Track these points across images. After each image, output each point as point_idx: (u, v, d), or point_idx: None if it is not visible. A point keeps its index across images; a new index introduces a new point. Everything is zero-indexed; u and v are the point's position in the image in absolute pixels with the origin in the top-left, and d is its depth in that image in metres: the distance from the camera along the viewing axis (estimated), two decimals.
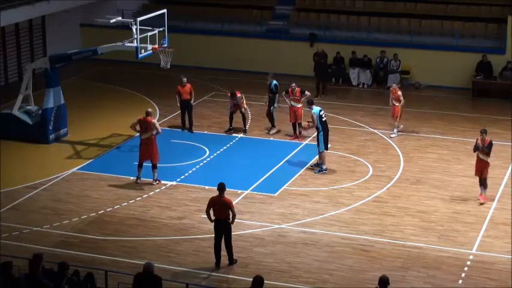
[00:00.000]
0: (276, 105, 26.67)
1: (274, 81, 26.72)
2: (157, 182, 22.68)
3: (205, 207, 18.17)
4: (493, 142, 21.53)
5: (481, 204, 21.39)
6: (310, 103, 23.93)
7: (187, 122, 26.95)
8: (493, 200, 21.68)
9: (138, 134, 22.83)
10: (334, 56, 32.69)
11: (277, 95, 26.63)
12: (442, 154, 24.99)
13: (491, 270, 18.13)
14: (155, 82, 32.57)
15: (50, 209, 21.11)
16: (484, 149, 21.27)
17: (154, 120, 22.86)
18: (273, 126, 26.85)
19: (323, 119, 23.65)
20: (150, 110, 22.93)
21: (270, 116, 26.77)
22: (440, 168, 23.92)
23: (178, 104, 26.79)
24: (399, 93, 26.27)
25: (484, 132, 21.42)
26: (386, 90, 30.39)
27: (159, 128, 22.62)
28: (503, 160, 24.45)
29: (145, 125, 22.50)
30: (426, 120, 28.27)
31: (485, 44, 32.28)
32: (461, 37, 32.66)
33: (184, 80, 26.75)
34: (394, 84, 27.24)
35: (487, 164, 21.41)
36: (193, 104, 26.99)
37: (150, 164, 22.59)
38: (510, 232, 19.79)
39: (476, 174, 21.61)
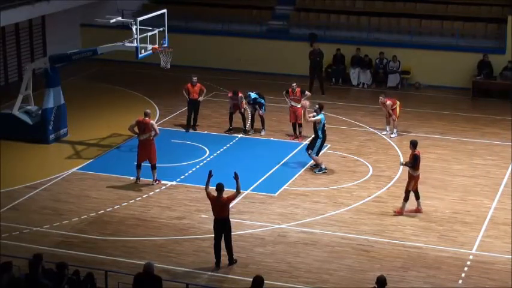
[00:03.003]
0: (263, 107, 26.62)
1: (252, 94, 26.50)
2: (157, 182, 22.67)
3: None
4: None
5: (398, 214, 20.66)
6: (321, 108, 23.69)
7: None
8: (493, 199, 21.75)
9: (136, 136, 22.78)
10: (334, 53, 32.68)
11: (262, 100, 26.52)
12: (442, 154, 24.98)
13: (491, 270, 18.11)
14: (155, 82, 32.55)
15: (50, 209, 21.09)
16: (407, 164, 20.61)
17: (153, 121, 22.85)
18: (263, 128, 26.77)
19: (324, 128, 23.62)
20: (148, 110, 22.88)
21: (261, 118, 26.71)
22: (440, 168, 23.91)
23: (187, 99, 26.80)
24: (388, 102, 26.08)
25: (411, 143, 20.72)
26: (386, 90, 30.39)
27: (157, 129, 22.62)
28: (503, 160, 24.42)
29: (143, 126, 22.46)
30: (426, 120, 28.24)
31: (485, 44, 32.26)
32: (461, 37, 32.63)
33: (195, 79, 26.80)
34: (381, 97, 26.27)
35: (411, 178, 20.59)
36: (200, 101, 27.00)
37: (149, 165, 22.60)
38: (510, 232, 19.78)
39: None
